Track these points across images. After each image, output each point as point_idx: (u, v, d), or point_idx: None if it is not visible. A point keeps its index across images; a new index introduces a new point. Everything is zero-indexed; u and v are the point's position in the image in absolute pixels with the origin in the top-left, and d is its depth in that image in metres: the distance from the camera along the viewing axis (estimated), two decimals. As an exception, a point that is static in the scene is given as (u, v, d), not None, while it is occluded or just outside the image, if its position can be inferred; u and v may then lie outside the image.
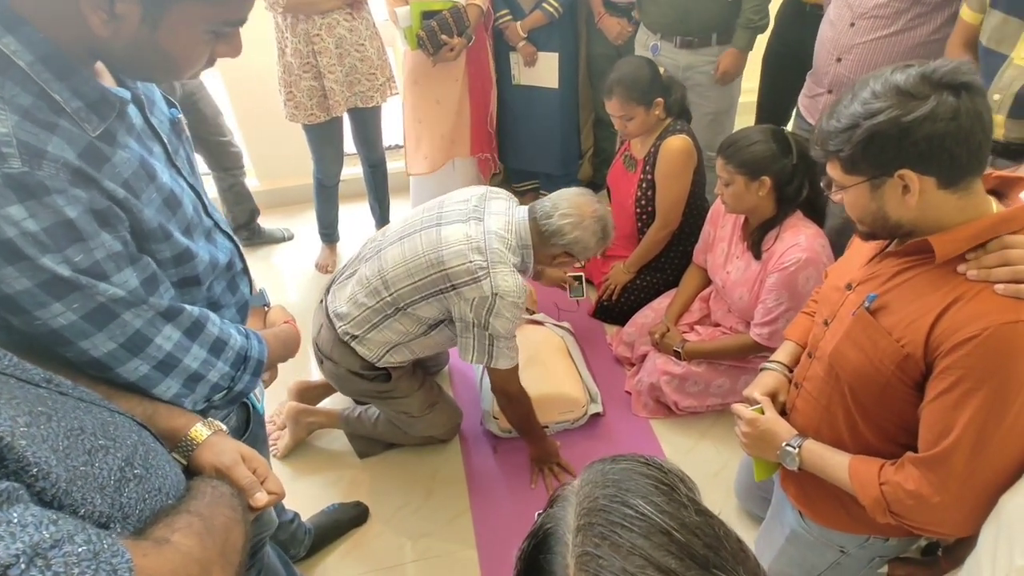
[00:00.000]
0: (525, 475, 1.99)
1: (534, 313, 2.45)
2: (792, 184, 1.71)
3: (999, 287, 0.88)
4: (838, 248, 1.77)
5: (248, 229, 2.91)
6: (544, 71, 2.73)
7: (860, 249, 1.15)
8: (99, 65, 0.79)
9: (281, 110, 2.37)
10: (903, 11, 1.79)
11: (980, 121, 0.87)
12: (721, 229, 2.00)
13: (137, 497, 0.60)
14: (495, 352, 1.64)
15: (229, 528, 0.67)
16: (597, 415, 2.15)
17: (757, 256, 1.81)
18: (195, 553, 0.59)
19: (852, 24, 1.88)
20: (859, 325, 1.03)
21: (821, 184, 1.08)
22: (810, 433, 1.16)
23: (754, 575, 0.50)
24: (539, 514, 0.56)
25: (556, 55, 2.68)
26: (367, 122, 2.56)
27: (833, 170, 0.99)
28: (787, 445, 1.15)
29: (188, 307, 0.84)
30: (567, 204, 1.69)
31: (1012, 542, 0.87)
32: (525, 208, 1.74)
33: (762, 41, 2.49)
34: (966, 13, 1.61)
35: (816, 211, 1.78)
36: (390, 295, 1.65)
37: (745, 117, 2.71)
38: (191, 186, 0.92)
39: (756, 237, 1.81)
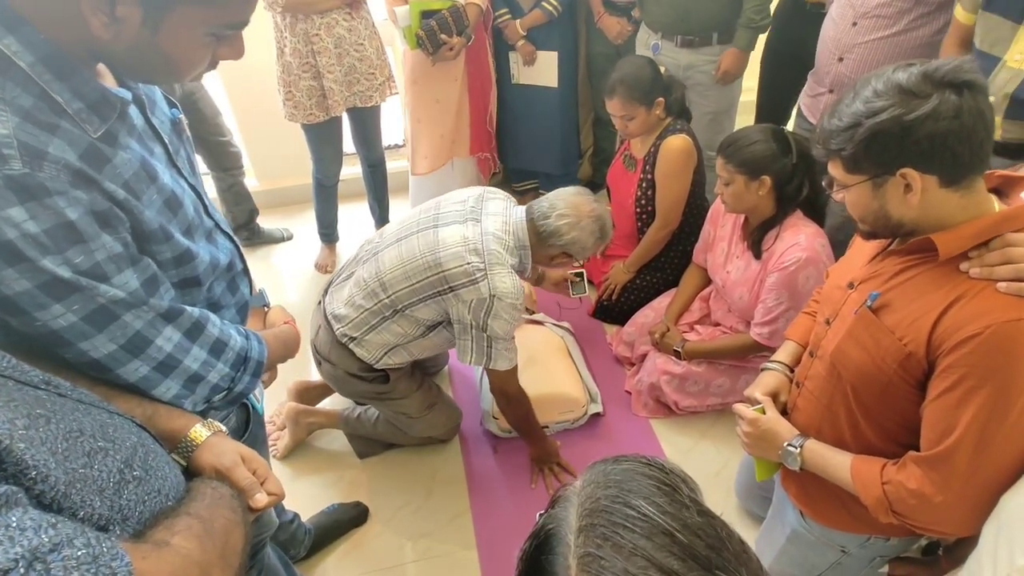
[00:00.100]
0: (525, 475, 1.98)
1: (534, 313, 2.45)
2: (792, 183, 1.71)
3: (1001, 285, 0.88)
4: (838, 246, 1.76)
5: (247, 229, 2.91)
6: (543, 70, 2.73)
7: (862, 248, 1.15)
8: (100, 66, 0.78)
9: (280, 110, 2.37)
10: (906, 11, 1.79)
11: (982, 119, 0.87)
12: (721, 229, 2.00)
13: (136, 499, 0.60)
14: (493, 353, 1.63)
15: (229, 530, 0.67)
16: (597, 415, 2.15)
17: (757, 256, 1.81)
18: (195, 556, 0.59)
19: (854, 23, 1.88)
20: (861, 324, 1.03)
21: (822, 183, 1.08)
22: (812, 433, 1.16)
23: None
24: (541, 515, 0.56)
25: (555, 54, 2.68)
26: (366, 122, 2.55)
27: (835, 169, 0.98)
28: (789, 445, 1.15)
29: (188, 308, 0.84)
30: (564, 204, 1.68)
31: (1013, 541, 0.87)
32: (522, 208, 1.74)
33: (761, 40, 2.49)
34: (960, 13, 1.62)
35: (816, 210, 1.77)
36: (388, 297, 1.64)
37: (745, 116, 2.71)
38: (192, 187, 0.92)
39: (756, 237, 1.80)
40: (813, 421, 1.17)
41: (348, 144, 2.62)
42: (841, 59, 1.94)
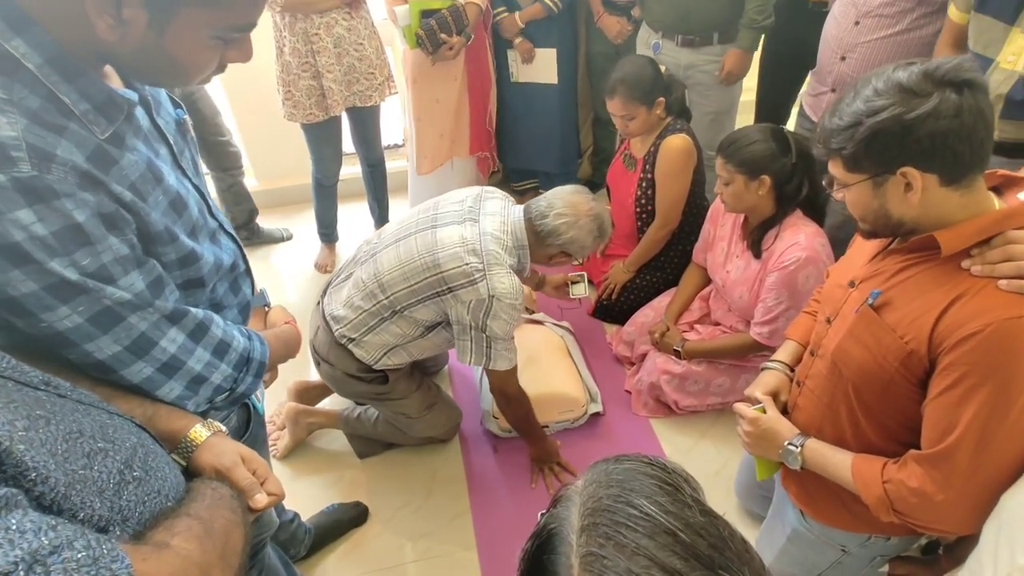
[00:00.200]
0: (525, 475, 1.98)
1: (534, 313, 2.44)
2: (791, 183, 1.71)
3: (1003, 283, 0.88)
4: (838, 244, 1.76)
5: (247, 229, 2.90)
6: (542, 67, 2.73)
7: (863, 247, 1.15)
8: (107, 67, 0.78)
9: (279, 109, 2.37)
10: (908, 11, 1.79)
11: (982, 118, 0.87)
12: (721, 228, 2.00)
13: (136, 500, 0.60)
14: (493, 354, 1.63)
15: (229, 531, 0.67)
16: (597, 414, 2.15)
17: (757, 255, 1.81)
18: (195, 557, 0.59)
19: (857, 23, 1.88)
20: (863, 322, 1.03)
21: (822, 182, 1.08)
22: (812, 432, 1.16)
23: None
24: (542, 514, 0.56)
25: (553, 51, 2.68)
26: (366, 121, 2.55)
27: (835, 168, 0.98)
28: (789, 444, 1.15)
29: (193, 310, 0.84)
30: (562, 203, 1.68)
31: (1013, 540, 0.87)
32: (520, 208, 1.73)
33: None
34: (953, 13, 1.62)
35: (816, 210, 1.77)
36: (386, 298, 1.64)
37: (746, 116, 2.71)
38: (196, 187, 0.92)
39: (756, 236, 1.80)
40: (814, 420, 1.17)
41: (348, 144, 2.62)
42: (843, 58, 1.94)
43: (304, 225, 3.02)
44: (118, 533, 0.56)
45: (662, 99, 2.12)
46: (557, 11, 2.57)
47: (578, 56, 2.88)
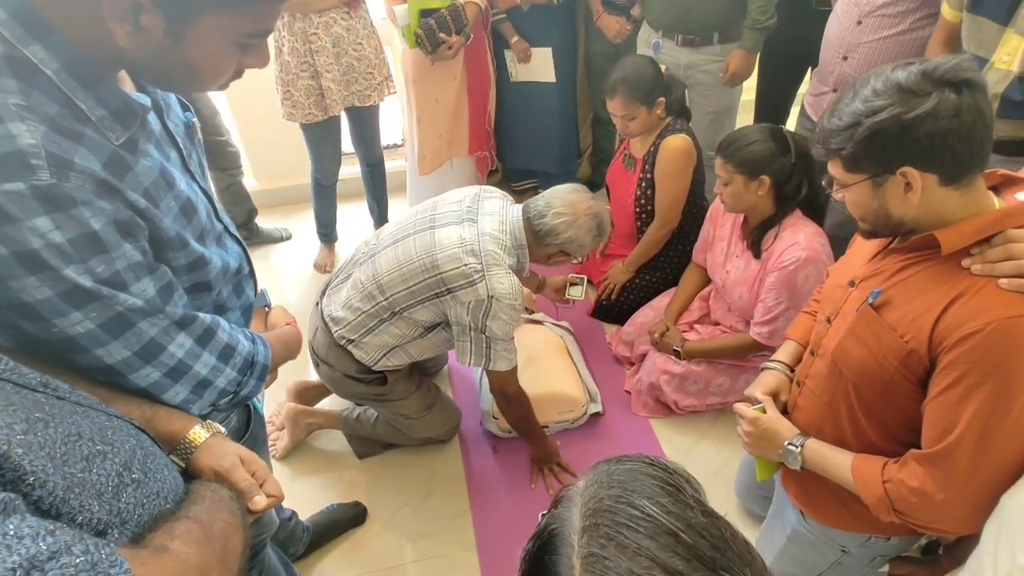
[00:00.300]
0: (525, 475, 1.98)
1: (533, 313, 2.44)
2: (791, 183, 1.71)
3: (1003, 282, 0.88)
4: (838, 244, 1.76)
5: (246, 229, 2.90)
6: (539, 66, 2.73)
7: (863, 246, 1.15)
8: (120, 71, 0.78)
9: (278, 109, 2.37)
10: (911, 11, 1.80)
11: (981, 118, 0.87)
12: (720, 228, 2.00)
13: (135, 502, 0.60)
14: (493, 354, 1.63)
15: (228, 533, 0.67)
16: (597, 415, 2.15)
17: (756, 255, 1.81)
18: (194, 560, 0.59)
19: (859, 22, 1.88)
20: (863, 321, 1.03)
21: (822, 182, 1.08)
22: (812, 432, 1.16)
23: None
24: (543, 515, 0.56)
25: (549, 50, 2.67)
26: (365, 121, 2.55)
27: (835, 168, 0.98)
28: (789, 444, 1.15)
29: (201, 315, 0.84)
30: (560, 202, 1.67)
31: (1014, 540, 0.87)
32: (519, 207, 1.73)
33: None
34: (946, 11, 1.62)
35: (815, 210, 1.77)
36: (385, 299, 1.64)
37: (746, 116, 2.71)
38: (203, 191, 0.92)
39: (755, 236, 1.80)
40: (814, 420, 1.17)
41: (347, 144, 2.62)
42: (845, 58, 1.94)
43: (303, 225, 3.01)
44: (117, 536, 0.56)
45: (662, 99, 2.12)
46: (557, 1, 2.55)
47: (577, 55, 2.88)
